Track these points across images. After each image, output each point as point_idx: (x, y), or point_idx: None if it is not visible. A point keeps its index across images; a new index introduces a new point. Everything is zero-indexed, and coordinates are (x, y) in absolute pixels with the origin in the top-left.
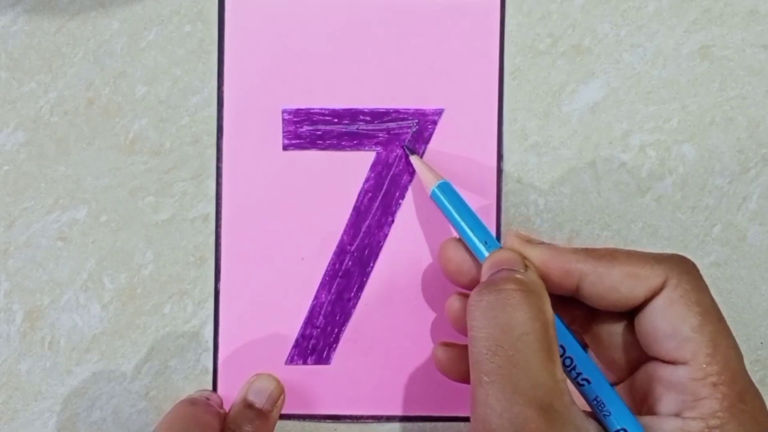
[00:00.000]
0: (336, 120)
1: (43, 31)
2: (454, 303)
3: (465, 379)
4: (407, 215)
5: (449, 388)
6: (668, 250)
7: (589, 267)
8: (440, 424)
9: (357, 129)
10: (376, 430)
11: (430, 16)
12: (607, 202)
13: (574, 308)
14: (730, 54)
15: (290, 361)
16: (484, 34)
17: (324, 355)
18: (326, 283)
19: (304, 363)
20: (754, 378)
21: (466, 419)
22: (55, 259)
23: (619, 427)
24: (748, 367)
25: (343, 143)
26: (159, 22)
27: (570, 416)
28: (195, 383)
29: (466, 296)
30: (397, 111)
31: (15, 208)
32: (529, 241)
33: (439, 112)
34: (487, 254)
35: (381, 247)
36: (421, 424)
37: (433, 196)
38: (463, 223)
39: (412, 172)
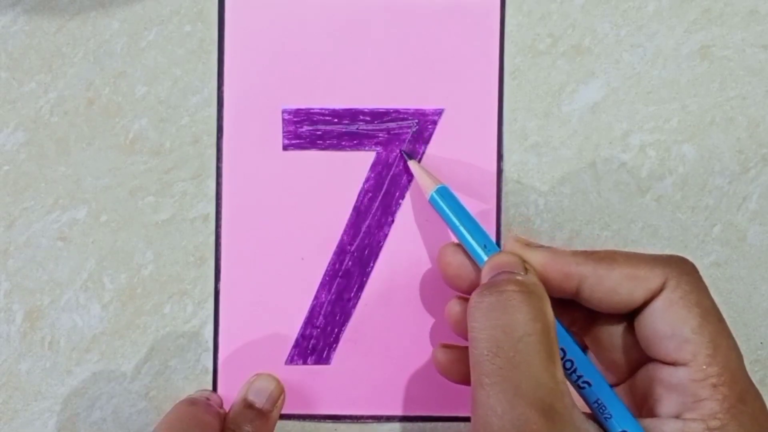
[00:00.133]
0: (336, 120)
1: (43, 31)
2: (453, 307)
3: (465, 380)
4: (407, 215)
5: (449, 388)
6: (668, 250)
7: (589, 269)
8: (440, 424)
9: (357, 129)
10: (376, 430)
11: (430, 16)
12: (607, 202)
13: (574, 310)
14: (730, 54)
15: (290, 361)
16: (484, 34)
17: (324, 355)
18: (326, 283)
19: (304, 363)
20: (754, 378)
21: (466, 419)
22: (55, 259)
23: (620, 430)
24: (748, 367)
25: (343, 143)
26: (159, 22)
27: (571, 418)
28: (195, 383)
29: (466, 300)
30: (397, 111)
31: (15, 208)
32: (528, 245)
33: (439, 112)
34: (486, 258)
35: (381, 247)
36: (421, 424)
37: (432, 201)
38: (462, 228)
39: (411, 174)
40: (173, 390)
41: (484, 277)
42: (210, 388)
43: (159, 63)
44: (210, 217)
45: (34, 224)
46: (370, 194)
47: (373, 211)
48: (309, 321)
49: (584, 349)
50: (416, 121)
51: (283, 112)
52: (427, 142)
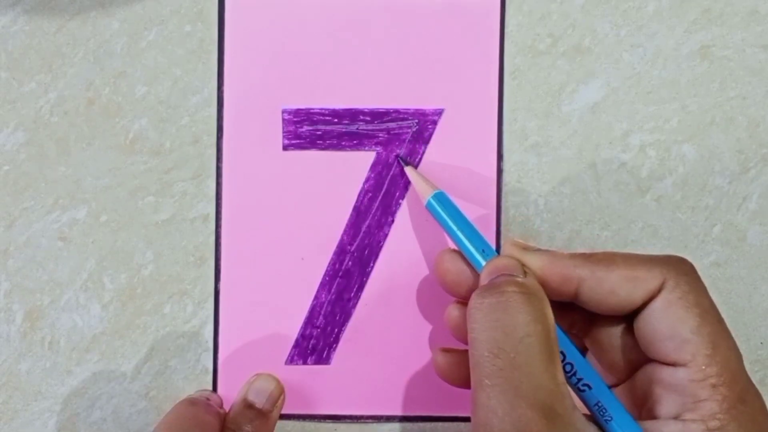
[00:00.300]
0: (336, 120)
1: (43, 31)
2: (452, 311)
3: (465, 384)
4: (407, 215)
5: (449, 389)
6: (668, 250)
7: (587, 272)
8: (440, 424)
9: (357, 129)
10: (376, 430)
11: (430, 16)
12: (607, 202)
13: (573, 312)
14: (730, 54)
15: (290, 361)
16: (484, 34)
17: (324, 355)
18: (326, 283)
19: (304, 363)
20: (754, 378)
21: (466, 419)
22: (55, 259)
23: None
24: (748, 367)
25: (343, 143)
26: (159, 22)
27: (572, 420)
28: (195, 383)
29: (465, 305)
30: (397, 111)
31: (15, 208)
32: (526, 248)
33: (439, 112)
34: (484, 263)
35: (381, 247)
36: (421, 424)
37: (429, 207)
38: (459, 233)
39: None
40: (173, 390)
41: (483, 281)
42: (210, 388)
43: (159, 63)
44: (210, 217)
45: (34, 224)
46: (370, 194)
47: (373, 211)
48: (309, 321)
49: (584, 350)
50: (416, 121)
51: (283, 112)
52: (427, 142)
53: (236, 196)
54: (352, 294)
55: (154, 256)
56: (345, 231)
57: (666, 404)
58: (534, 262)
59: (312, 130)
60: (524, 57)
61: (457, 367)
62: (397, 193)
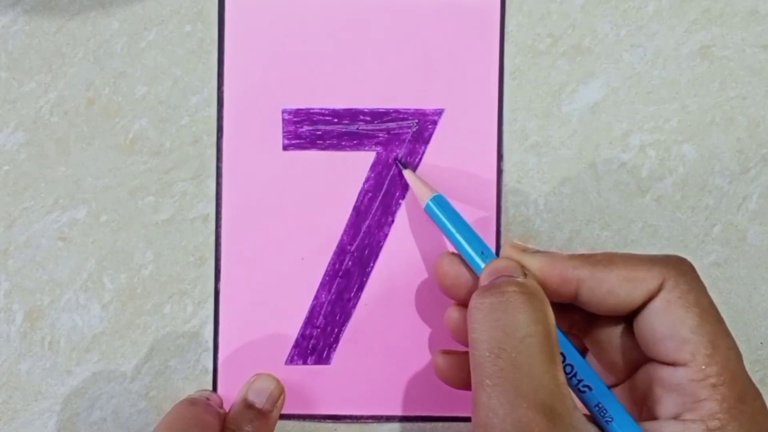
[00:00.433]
0: (336, 120)
1: (43, 31)
2: (452, 313)
3: (465, 385)
4: (407, 215)
5: (449, 389)
6: (668, 250)
7: (587, 273)
8: (440, 424)
9: (357, 129)
10: (376, 430)
11: (430, 16)
12: (607, 202)
13: (573, 313)
14: (730, 54)
15: (290, 361)
16: (484, 34)
17: (324, 355)
18: (326, 283)
19: (304, 363)
20: (754, 378)
21: (466, 419)
22: (55, 259)
23: None
24: (748, 367)
25: (343, 143)
26: (159, 22)
27: (572, 420)
28: (195, 383)
29: (465, 307)
30: (397, 111)
31: (15, 208)
32: (525, 250)
33: (439, 112)
34: (483, 265)
35: (381, 247)
36: (421, 424)
37: (427, 210)
38: (458, 235)
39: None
40: (173, 390)
41: (483, 282)
42: (210, 388)
43: (159, 63)
44: (210, 217)
45: (34, 224)
46: (370, 194)
47: (373, 211)
48: (309, 321)
49: (584, 350)
50: (416, 121)
51: (283, 112)
52: (427, 142)
53: (236, 196)
54: (352, 294)
55: (154, 256)
56: (345, 231)
57: (666, 404)
58: (533, 263)
59: (312, 130)
60: (524, 57)
61: (457, 369)
62: (397, 193)
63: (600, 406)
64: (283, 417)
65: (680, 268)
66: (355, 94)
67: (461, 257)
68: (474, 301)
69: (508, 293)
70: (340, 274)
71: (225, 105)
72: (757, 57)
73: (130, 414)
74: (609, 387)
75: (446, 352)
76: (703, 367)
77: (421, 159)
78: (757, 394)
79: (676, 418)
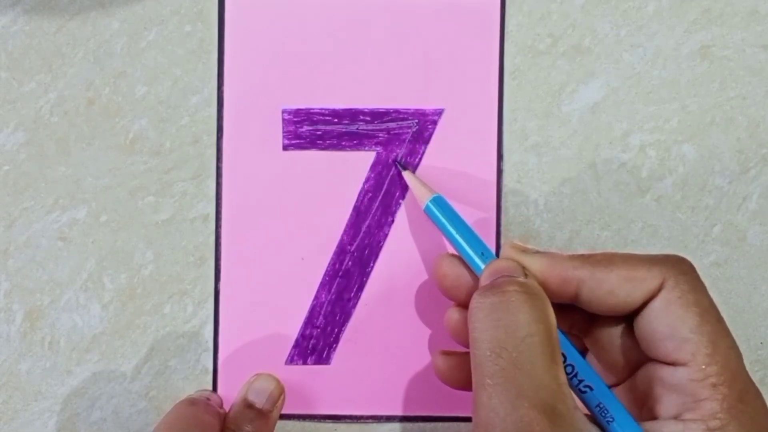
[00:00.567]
0: (336, 120)
1: (43, 31)
2: (453, 315)
3: (466, 386)
4: (407, 216)
5: (449, 389)
6: (668, 250)
7: (587, 273)
8: (440, 424)
9: (357, 129)
10: (376, 430)
11: (430, 16)
12: (607, 202)
13: (573, 313)
14: (730, 54)
15: (290, 361)
16: (484, 34)
17: (324, 355)
18: (326, 283)
19: (304, 363)
20: (754, 378)
21: (467, 419)
22: (55, 259)
23: None
24: (748, 367)
25: (343, 143)
26: (159, 22)
27: (573, 420)
28: (195, 383)
29: (465, 308)
30: (397, 111)
31: (15, 208)
32: (525, 251)
33: (439, 112)
34: (483, 266)
35: (381, 247)
36: (421, 424)
37: (427, 211)
38: (458, 236)
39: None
40: (173, 390)
41: (483, 283)
42: (210, 388)
43: (159, 63)
44: (210, 217)
45: (34, 224)
46: (370, 194)
47: (373, 211)
48: (309, 321)
49: (584, 351)
50: (416, 121)
51: (283, 112)
52: (427, 142)
53: (236, 196)
54: (352, 294)
55: (154, 256)
56: (345, 231)
57: (666, 404)
58: (533, 264)
59: (312, 130)
60: (524, 57)
61: (457, 370)
62: (397, 193)
63: (601, 406)
64: (283, 417)
65: (680, 267)
66: (355, 94)
67: (461, 258)
68: (475, 301)
69: (509, 293)
70: (340, 274)
71: (225, 105)
72: (757, 57)
73: (130, 414)
74: (609, 387)
75: (446, 353)
76: (704, 366)
77: (421, 159)
78: (758, 394)
79: (676, 417)
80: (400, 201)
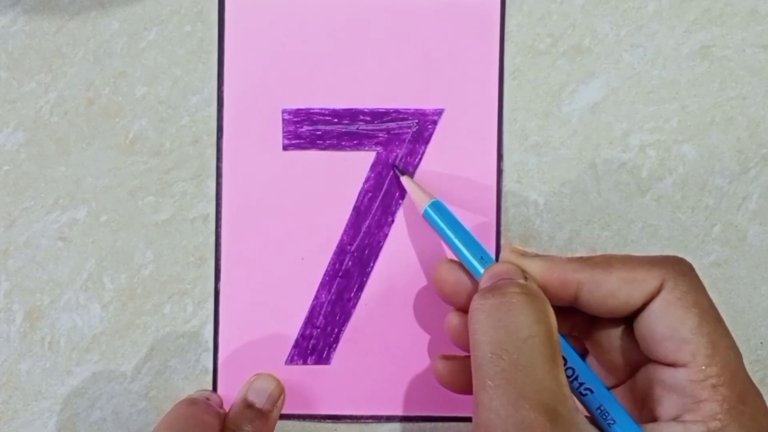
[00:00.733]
0: (336, 120)
1: (43, 31)
2: (452, 319)
3: (466, 390)
4: (407, 215)
5: None
6: (668, 250)
7: (586, 275)
8: (440, 424)
9: (357, 129)
10: (376, 430)
11: (430, 16)
12: (607, 202)
13: (573, 315)
14: (730, 54)
15: (290, 361)
16: (484, 34)
17: (324, 355)
18: (326, 283)
19: (304, 363)
20: (754, 378)
21: (467, 419)
22: (55, 259)
23: None
24: (748, 367)
25: (343, 143)
26: (159, 22)
27: (574, 421)
28: (195, 383)
29: (465, 312)
30: (397, 111)
31: (15, 208)
32: (524, 254)
33: (439, 112)
34: (482, 270)
35: (381, 247)
36: (421, 424)
37: (426, 216)
38: (457, 241)
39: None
40: (173, 390)
41: (483, 286)
42: (210, 388)
43: (159, 63)
44: (210, 217)
45: (34, 224)
46: (370, 194)
47: (373, 211)
48: (309, 321)
49: (584, 353)
50: (416, 121)
51: (283, 112)
52: (427, 142)
53: (236, 196)
54: (352, 294)
55: (154, 256)
56: (345, 231)
57: (666, 405)
58: (533, 267)
59: (312, 130)
60: (524, 57)
61: (458, 374)
62: (397, 193)
63: (602, 408)
64: (283, 417)
65: (679, 268)
66: (355, 94)
67: (459, 264)
68: (475, 303)
69: (510, 294)
70: (340, 274)
71: (225, 105)
72: (757, 57)
73: (130, 414)
74: (609, 388)
75: (446, 357)
76: (703, 367)
77: (421, 159)
78: (758, 395)
79: (676, 419)
80: (400, 201)
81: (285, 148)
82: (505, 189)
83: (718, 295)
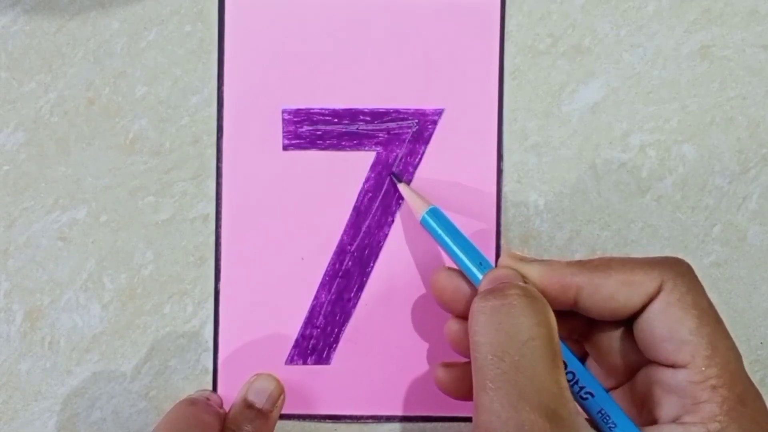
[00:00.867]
0: (336, 120)
1: (43, 31)
2: (452, 325)
3: (467, 397)
4: (407, 215)
5: None
6: (668, 250)
7: (585, 279)
8: (440, 424)
9: (357, 129)
10: (376, 430)
11: (430, 16)
12: (607, 202)
13: (573, 319)
14: (730, 54)
15: (290, 361)
16: (484, 34)
17: (324, 355)
18: (326, 283)
19: (304, 363)
20: (754, 378)
21: (466, 419)
22: (55, 259)
23: None
24: (747, 367)
25: (343, 143)
26: (159, 22)
27: (575, 424)
28: (195, 383)
29: (465, 318)
30: (397, 111)
31: (15, 208)
32: (523, 259)
33: (439, 112)
34: (481, 276)
35: (381, 247)
36: (421, 424)
37: (423, 223)
38: (455, 247)
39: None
40: (173, 390)
41: (483, 290)
42: (210, 388)
43: (159, 63)
44: (210, 217)
45: (34, 224)
46: (370, 194)
47: (373, 211)
48: (309, 321)
49: (583, 356)
50: (416, 121)
51: (283, 112)
52: (427, 142)
53: (236, 196)
54: (352, 294)
55: (154, 256)
56: (345, 231)
57: (666, 406)
58: (532, 272)
59: (312, 130)
60: (524, 57)
61: (459, 381)
62: (397, 194)
63: (603, 412)
64: (283, 417)
65: (678, 269)
66: (355, 94)
67: (457, 271)
68: (476, 305)
69: (511, 296)
70: (340, 274)
71: (225, 105)
72: (757, 57)
73: (130, 414)
74: (609, 390)
75: (447, 365)
76: (703, 368)
77: (421, 159)
78: (757, 396)
79: (675, 420)
80: (400, 201)
81: (285, 148)
82: (505, 189)
83: (718, 295)
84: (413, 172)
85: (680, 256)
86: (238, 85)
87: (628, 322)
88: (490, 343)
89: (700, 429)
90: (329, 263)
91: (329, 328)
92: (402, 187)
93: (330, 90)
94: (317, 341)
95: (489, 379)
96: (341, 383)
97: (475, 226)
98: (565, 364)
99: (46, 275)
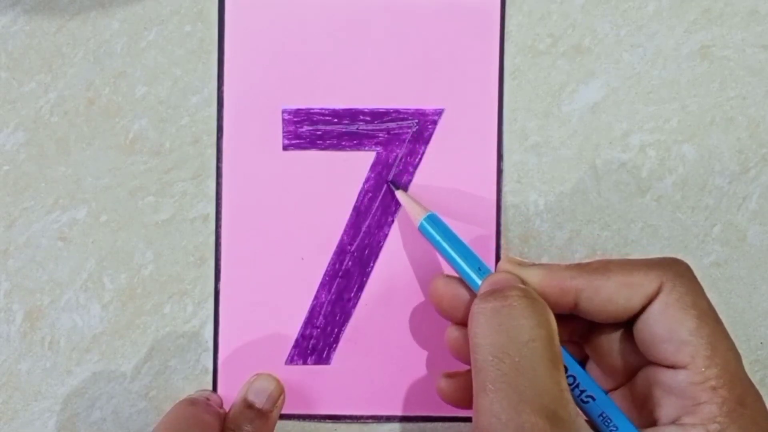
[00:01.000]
0: (336, 120)
1: (43, 31)
2: (452, 332)
3: (470, 406)
4: (407, 216)
5: None
6: (668, 250)
7: (584, 282)
8: (440, 424)
9: (357, 129)
10: (376, 430)
11: (430, 16)
12: (607, 202)
13: (572, 321)
14: (730, 54)
15: (290, 361)
16: (484, 34)
17: (324, 355)
18: (326, 283)
19: (304, 363)
20: (754, 378)
21: (467, 419)
22: (55, 259)
23: None
24: (747, 367)
25: (343, 143)
26: (159, 22)
27: (576, 426)
28: (195, 383)
29: (464, 325)
30: (397, 111)
31: (15, 208)
32: (522, 264)
33: (439, 112)
34: (480, 282)
35: (381, 247)
36: (421, 424)
37: (421, 229)
38: (453, 253)
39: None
40: (173, 390)
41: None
42: (210, 388)
43: (159, 63)
44: (210, 217)
45: (34, 224)
46: (370, 194)
47: (373, 211)
48: (309, 321)
49: (583, 359)
50: (416, 121)
51: (283, 112)
52: (427, 142)
53: (236, 196)
54: (352, 294)
55: (154, 256)
56: (345, 231)
57: (666, 407)
58: (531, 276)
59: (312, 130)
60: (524, 57)
61: (461, 391)
62: None
63: (604, 415)
64: (283, 417)
65: (677, 270)
66: (355, 94)
67: (456, 278)
68: (476, 306)
69: (511, 297)
70: (340, 274)
71: (225, 105)
72: (757, 57)
73: (130, 414)
74: (609, 391)
75: (449, 375)
76: (703, 369)
77: (421, 159)
78: (757, 396)
79: (675, 421)
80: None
81: (285, 148)
82: (505, 189)
83: (718, 295)
84: (413, 173)
85: (680, 256)
86: (238, 85)
87: (627, 323)
88: (490, 345)
89: (699, 430)
90: (329, 263)
91: (329, 328)
92: (399, 194)
93: (330, 90)
94: (317, 341)
95: (489, 380)
96: (341, 383)
97: (475, 232)
98: (565, 367)
99: (46, 275)
